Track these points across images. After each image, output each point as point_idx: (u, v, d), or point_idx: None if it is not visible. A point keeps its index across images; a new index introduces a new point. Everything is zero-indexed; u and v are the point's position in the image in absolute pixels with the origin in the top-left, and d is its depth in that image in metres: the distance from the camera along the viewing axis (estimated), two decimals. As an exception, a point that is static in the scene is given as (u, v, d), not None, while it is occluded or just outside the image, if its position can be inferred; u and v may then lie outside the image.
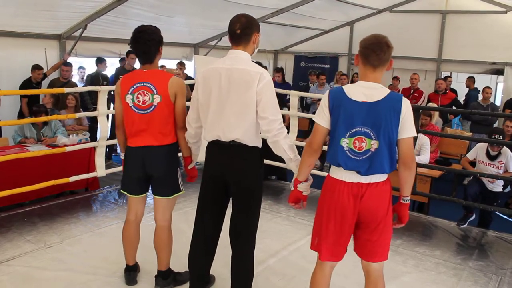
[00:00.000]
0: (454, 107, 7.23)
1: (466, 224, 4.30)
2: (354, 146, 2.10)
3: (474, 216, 4.47)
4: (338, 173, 2.17)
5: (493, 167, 4.63)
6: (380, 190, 2.14)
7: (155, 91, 2.55)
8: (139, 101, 2.57)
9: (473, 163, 4.91)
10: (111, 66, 7.52)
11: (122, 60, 7.25)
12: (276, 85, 7.72)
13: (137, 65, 6.65)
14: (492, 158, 4.65)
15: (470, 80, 8.19)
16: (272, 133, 2.31)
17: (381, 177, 2.14)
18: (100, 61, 7.01)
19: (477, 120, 7.06)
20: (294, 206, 2.37)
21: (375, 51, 2.08)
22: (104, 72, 7.01)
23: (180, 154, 2.82)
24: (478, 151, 4.78)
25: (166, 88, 2.56)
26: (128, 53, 6.66)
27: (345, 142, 2.11)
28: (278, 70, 8.34)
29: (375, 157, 2.08)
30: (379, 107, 2.06)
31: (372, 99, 2.07)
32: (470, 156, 4.89)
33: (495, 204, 4.59)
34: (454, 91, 8.04)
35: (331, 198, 2.17)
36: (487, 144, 4.66)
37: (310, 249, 2.33)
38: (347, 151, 2.11)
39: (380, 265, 2.26)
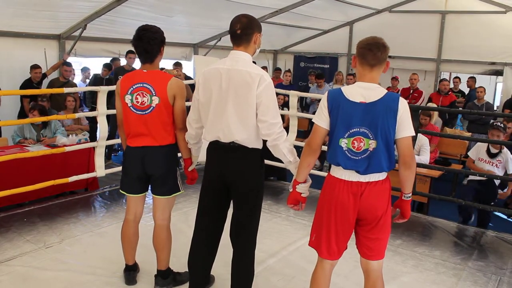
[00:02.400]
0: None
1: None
2: (352, 146, 2.12)
3: (473, 218, 4.47)
4: (338, 172, 2.19)
5: (491, 165, 4.63)
6: (379, 188, 2.16)
7: (153, 92, 2.55)
8: (137, 102, 2.57)
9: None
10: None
11: (114, 60, 7.22)
12: (282, 86, 7.79)
13: (136, 65, 6.66)
14: (492, 156, 4.64)
15: (472, 80, 8.24)
16: (272, 136, 2.31)
17: (380, 176, 2.16)
18: (114, 60, 7.05)
19: (472, 119, 7.23)
20: (293, 208, 2.38)
21: (372, 50, 2.12)
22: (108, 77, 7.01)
23: (179, 155, 2.81)
24: (480, 148, 4.75)
25: (165, 90, 2.55)
26: (127, 52, 6.66)
27: (344, 143, 2.13)
28: (287, 71, 8.49)
29: (373, 156, 2.11)
30: (376, 107, 2.08)
31: (369, 99, 2.10)
32: (472, 155, 4.86)
33: (492, 203, 4.58)
34: (462, 93, 8.07)
35: (331, 196, 2.20)
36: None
37: (310, 250, 2.34)
38: (346, 151, 2.14)
39: (379, 265, 2.27)
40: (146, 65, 2.62)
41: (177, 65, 7.65)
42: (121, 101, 2.64)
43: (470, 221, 4.45)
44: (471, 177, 4.77)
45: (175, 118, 2.63)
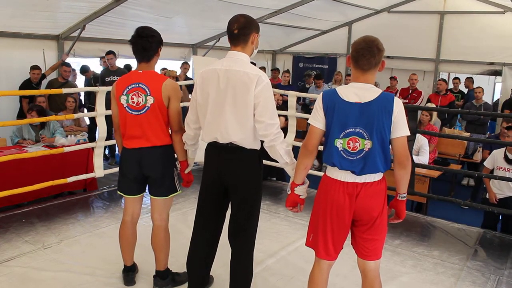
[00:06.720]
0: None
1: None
2: (348, 146, 2.12)
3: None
4: (334, 173, 2.19)
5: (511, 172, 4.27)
6: (375, 189, 2.16)
7: (148, 92, 2.54)
8: (133, 102, 2.56)
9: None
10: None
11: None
12: (281, 86, 7.80)
13: (131, 63, 6.65)
14: (511, 162, 4.30)
15: (469, 81, 8.29)
16: (269, 137, 2.30)
17: (376, 177, 2.16)
18: (84, 70, 7.06)
19: (470, 120, 7.25)
20: (292, 210, 2.37)
21: (365, 56, 2.10)
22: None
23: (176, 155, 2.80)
24: (496, 157, 4.42)
25: (159, 90, 2.55)
26: (106, 53, 6.53)
27: (339, 143, 2.13)
28: (286, 71, 8.47)
29: (369, 157, 2.10)
30: (371, 108, 2.08)
31: (364, 99, 2.09)
32: (488, 164, 4.51)
33: None
34: (462, 94, 8.09)
35: (327, 197, 2.20)
36: (504, 148, 4.34)
37: (308, 250, 2.33)
38: (341, 152, 2.13)
39: (376, 265, 2.27)
40: (142, 65, 2.62)
41: (185, 64, 7.69)
42: (117, 103, 2.64)
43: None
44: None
45: (171, 120, 2.63)
